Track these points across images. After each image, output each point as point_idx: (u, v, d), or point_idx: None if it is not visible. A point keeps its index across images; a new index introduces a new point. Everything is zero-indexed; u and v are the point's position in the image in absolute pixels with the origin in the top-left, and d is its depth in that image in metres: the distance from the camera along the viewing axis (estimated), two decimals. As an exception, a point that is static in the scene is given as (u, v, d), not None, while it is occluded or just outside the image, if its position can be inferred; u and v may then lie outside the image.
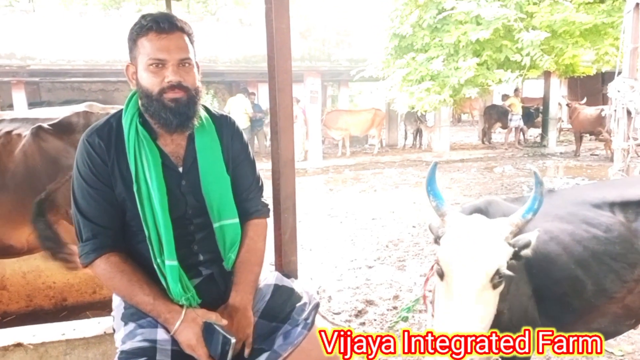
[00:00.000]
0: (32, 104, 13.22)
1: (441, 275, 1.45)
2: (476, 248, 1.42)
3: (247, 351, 1.43)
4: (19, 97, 12.51)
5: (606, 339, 2.35)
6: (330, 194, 9.23)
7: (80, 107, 3.76)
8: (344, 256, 5.33)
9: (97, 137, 1.42)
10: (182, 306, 1.39)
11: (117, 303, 1.48)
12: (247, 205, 1.60)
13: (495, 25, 6.15)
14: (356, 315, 3.84)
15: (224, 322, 1.40)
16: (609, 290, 1.96)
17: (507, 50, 6.83)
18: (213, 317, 1.40)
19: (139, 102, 1.45)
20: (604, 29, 6.00)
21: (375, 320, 3.74)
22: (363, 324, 3.66)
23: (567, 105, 13.94)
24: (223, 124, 1.59)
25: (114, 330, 1.47)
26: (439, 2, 6.96)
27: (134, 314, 1.40)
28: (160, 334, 1.35)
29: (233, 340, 1.35)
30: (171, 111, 1.39)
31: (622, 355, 3.02)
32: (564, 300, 1.95)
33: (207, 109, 1.55)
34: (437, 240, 1.53)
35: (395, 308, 3.95)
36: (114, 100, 16.28)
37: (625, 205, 2.10)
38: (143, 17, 1.41)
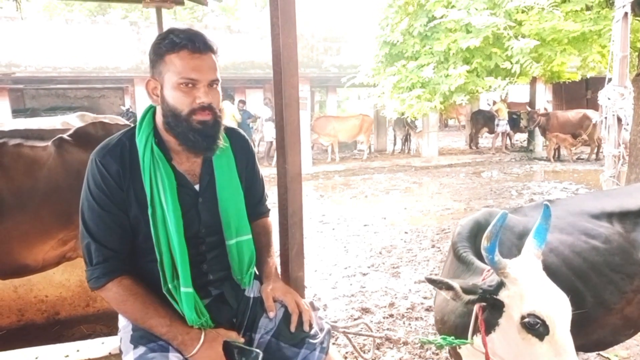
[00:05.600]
0: (15, 112, 13.03)
1: (541, 334, 1.34)
2: (560, 295, 1.40)
3: (306, 326, 1.45)
4: (2, 105, 12.33)
5: (604, 349, 2.36)
6: (321, 200, 9.22)
7: (72, 117, 3.70)
8: (338, 263, 5.32)
9: (111, 159, 1.37)
10: (199, 328, 1.36)
11: (125, 323, 1.44)
12: (257, 210, 1.64)
13: (485, 33, 6.23)
14: (358, 324, 3.82)
15: (242, 340, 1.40)
16: (608, 301, 1.96)
17: (497, 58, 6.92)
18: (233, 335, 1.39)
19: (160, 119, 1.41)
20: (590, 36, 6.11)
21: (372, 328, 3.73)
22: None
23: (543, 113, 13.97)
24: (236, 139, 1.57)
25: (120, 351, 1.43)
26: (429, 10, 7.03)
27: (143, 337, 1.36)
28: (172, 358, 1.32)
29: (261, 354, 1.35)
30: (199, 133, 1.36)
31: (618, 361, 3.06)
32: None
33: None
34: (489, 296, 1.44)
35: (391, 316, 3.95)
36: (99, 107, 16.13)
37: (623, 216, 2.11)
38: (172, 32, 1.36)
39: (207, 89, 1.36)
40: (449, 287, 1.44)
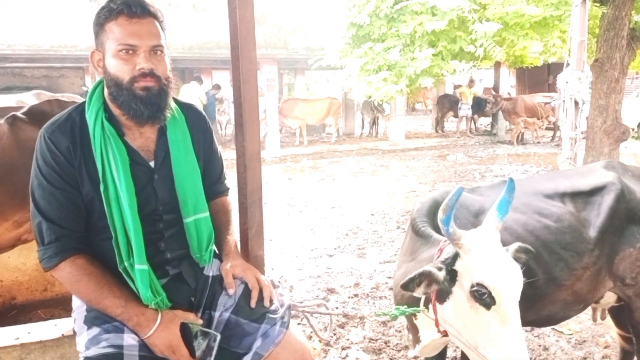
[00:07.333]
0: (-32, 91, 12.42)
1: (488, 304, 1.38)
2: (512, 266, 1.44)
3: (266, 301, 1.45)
4: (-46, 84, 11.70)
5: (556, 323, 2.47)
6: (289, 183, 9.21)
7: (28, 96, 3.56)
8: (305, 245, 5.35)
9: (61, 135, 1.32)
10: (155, 309, 1.34)
11: (78, 304, 1.41)
12: (215, 188, 1.62)
13: (450, 16, 6.30)
14: (317, 304, 3.86)
15: (200, 321, 1.39)
16: (558, 278, 2.04)
17: (462, 41, 7.01)
18: (191, 317, 1.38)
19: (106, 91, 1.36)
20: (552, 21, 6.26)
21: (337, 308, 3.78)
22: (325, 313, 3.69)
23: (507, 97, 14.43)
24: (192, 115, 1.54)
25: (74, 332, 1.40)
26: (395, -8, 7.04)
27: (97, 318, 1.33)
28: (127, 340, 1.30)
29: (218, 336, 1.35)
30: (142, 101, 1.31)
31: (571, 334, 3.20)
32: None
33: (174, 99, 1.47)
34: (449, 268, 1.47)
35: (356, 295, 4.01)
36: (59, 87, 15.51)
37: (575, 196, 2.19)
38: (111, 1, 1.31)
39: (148, 55, 1.32)
40: (424, 275, 1.45)
